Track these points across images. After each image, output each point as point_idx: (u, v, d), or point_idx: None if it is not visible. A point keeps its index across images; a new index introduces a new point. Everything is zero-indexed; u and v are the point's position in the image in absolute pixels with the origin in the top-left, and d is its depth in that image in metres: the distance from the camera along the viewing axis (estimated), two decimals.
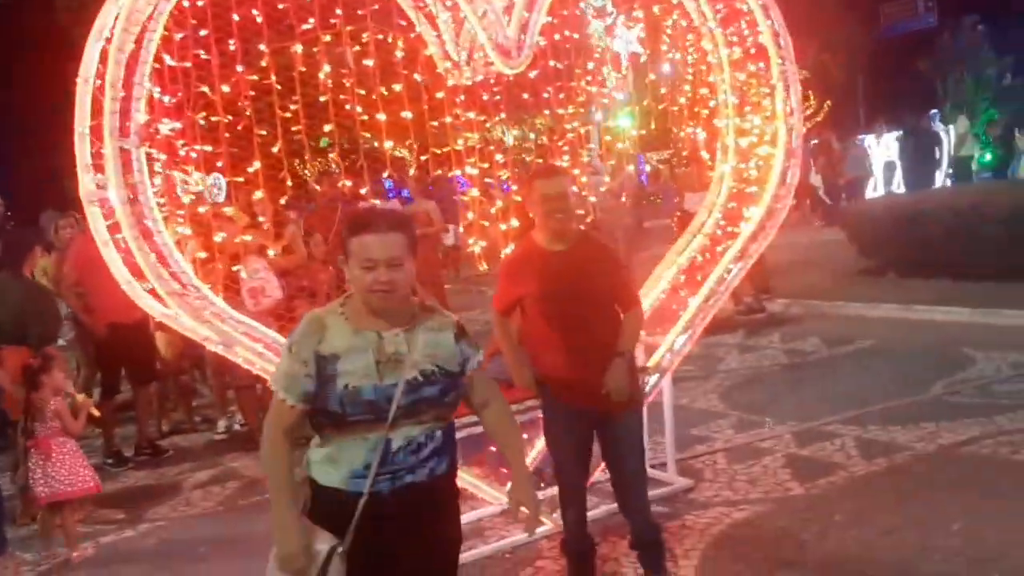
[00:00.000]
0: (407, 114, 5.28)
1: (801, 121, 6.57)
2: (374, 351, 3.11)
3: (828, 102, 30.08)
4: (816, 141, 21.01)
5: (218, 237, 7.03)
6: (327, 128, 5.16)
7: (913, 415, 7.15)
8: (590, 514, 5.25)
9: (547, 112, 5.99)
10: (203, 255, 5.39)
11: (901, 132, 22.03)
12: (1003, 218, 11.50)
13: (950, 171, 21.50)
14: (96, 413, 7.02)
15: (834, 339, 10.06)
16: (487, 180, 5.80)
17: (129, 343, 8.13)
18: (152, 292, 5.04)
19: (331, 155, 5.58)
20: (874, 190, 21.42)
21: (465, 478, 5.64)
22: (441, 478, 3.24)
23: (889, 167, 22.33)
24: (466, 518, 5.95)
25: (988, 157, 24.85)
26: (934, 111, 25.44)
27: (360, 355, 3.10)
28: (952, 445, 6.48)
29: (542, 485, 6.12)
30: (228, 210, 8.88)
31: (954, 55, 29.63)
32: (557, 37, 5.80)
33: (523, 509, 3.37)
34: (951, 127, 23.28)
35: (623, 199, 13.46)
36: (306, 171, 7.69)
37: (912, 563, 4.85)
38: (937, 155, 21.37)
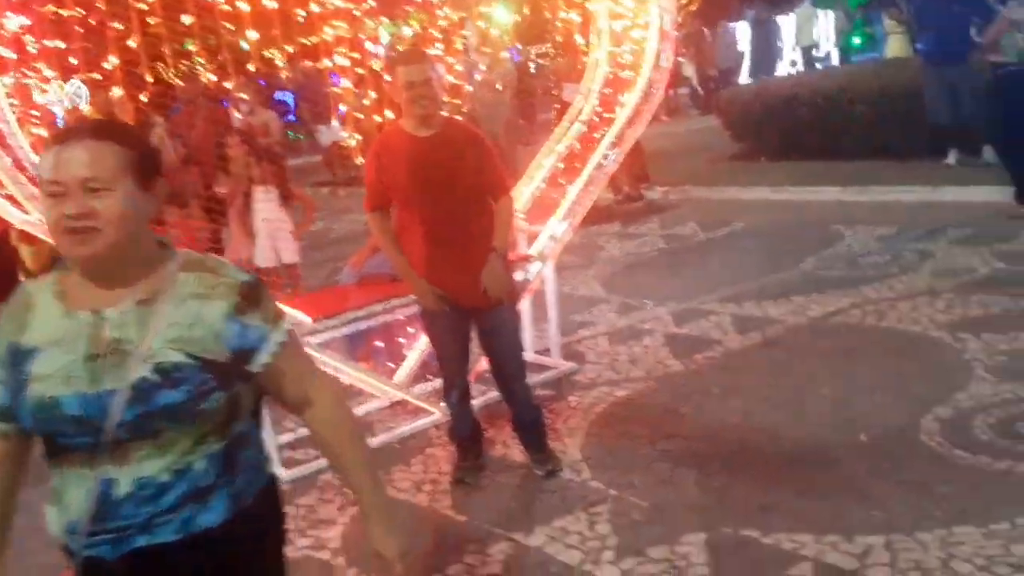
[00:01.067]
0: (271, 2, 5.08)
1: (674, 3, 6.55)
2: (87, 341, 2.06)
3: None
4: (686, 32, 21.08)
5: None
6: (186, 20, 4.93)
7: (785, 290, 7.40)
8: (478, 401, 5.36)
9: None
10: None
11: (748, 22, 22.28)
12: (870, 99, 11.79)
13: (792, 62, 21.88)
14: None
15: (710, 223, 10.27)
16: (358, 71, 5.65)
17: None
18: (10, 198, 4.82)
19: (192, 50, 5.32)
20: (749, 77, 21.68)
21: (350, 372, 5.65)
22: (215, 532, 2.14)
23: None
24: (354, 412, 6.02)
25: (858, 41, 25.44)
26: None
27: (66, 349, 2.06)
28: (822, 316, 6.74)
29: (429, 377, 6.18)
30: (85, 109, 8.51)
31: None
32: None
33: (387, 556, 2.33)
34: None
35: (499, 88, 13.34)
36: (170, 72, 7.38)
37: (785, 427, 5.07)
38: (779, 45, 21.75)
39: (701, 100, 21.04)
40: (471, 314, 4.80)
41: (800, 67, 21.29)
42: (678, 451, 4.94)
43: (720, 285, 7.76)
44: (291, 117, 19.20)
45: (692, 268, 8.62)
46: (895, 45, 18.94)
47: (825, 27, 22.77)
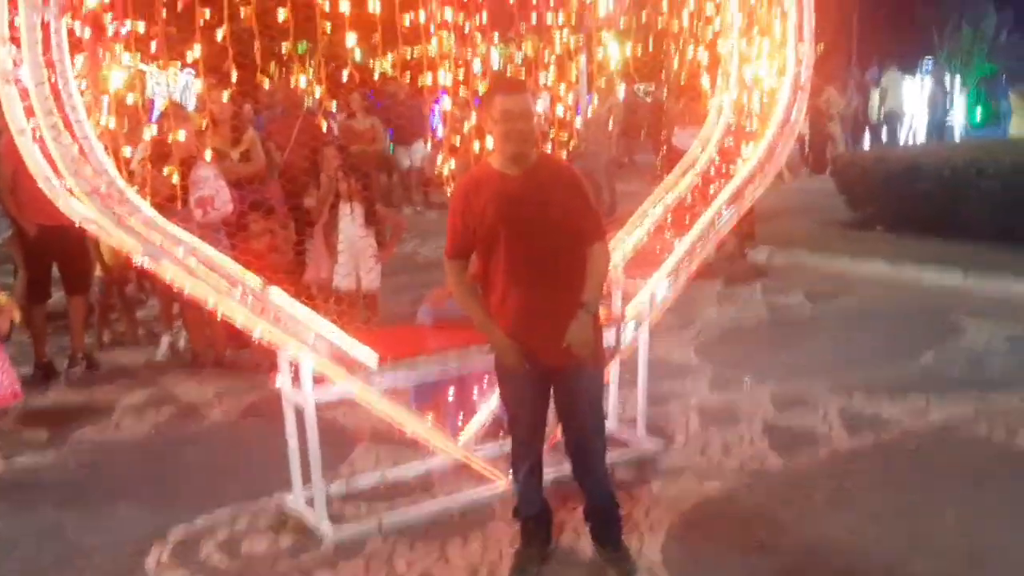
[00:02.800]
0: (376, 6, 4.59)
1: (813, 51, 5.93)
2: None
3: (820, 45, 29.21)
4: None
5: (180, 136, 6.37)
6: (281, 14, 4.47)
7: (901, 385, 6.66)
8: (550, 474, 4.73)
9: (535, 19, 5.31)
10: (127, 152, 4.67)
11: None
12: (1002, 177, 11.00)
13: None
14: (16, 318, 6.43)
15: (818, 294, 9.55)
16: (462, 92, 5.14)
17: (60, 247, 7.44)
18: (69, 191, 4.39)
19: (292, 53, 4.83)
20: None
21: (412, 424, 5.11)
22: None
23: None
24: (414, 469, 5.48)
25: (979, 115, 24.57)
26: (928, 58, 24.87)
27: None
28: (944, 424, 5.99)
29: (501, 435, 5.61)
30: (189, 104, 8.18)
31: (953, 3, 28.92)
32: None
33: None
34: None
35: (610, 127, 12.77)
36: (263, 72, 6.94)
37: (903, 556, 4.37)
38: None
39: (811, 158, 20.24)
40: (551, 375, 4.24)
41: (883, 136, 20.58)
42: (773, 568, 4.29)
43: (828, 369, 7.05)
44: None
45: (797, 345, 7.90)
46: (1020, 123, 18.04)
47: (915, 95, 21.93)
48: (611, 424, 5.58)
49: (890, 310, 8.93)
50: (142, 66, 5.45)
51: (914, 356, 7.39)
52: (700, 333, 8.34)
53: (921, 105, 21.99)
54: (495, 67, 5.42)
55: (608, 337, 4.96)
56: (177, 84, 15.92)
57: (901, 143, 20.87)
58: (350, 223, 7.65)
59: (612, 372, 5.64)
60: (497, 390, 5.19)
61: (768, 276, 10.55)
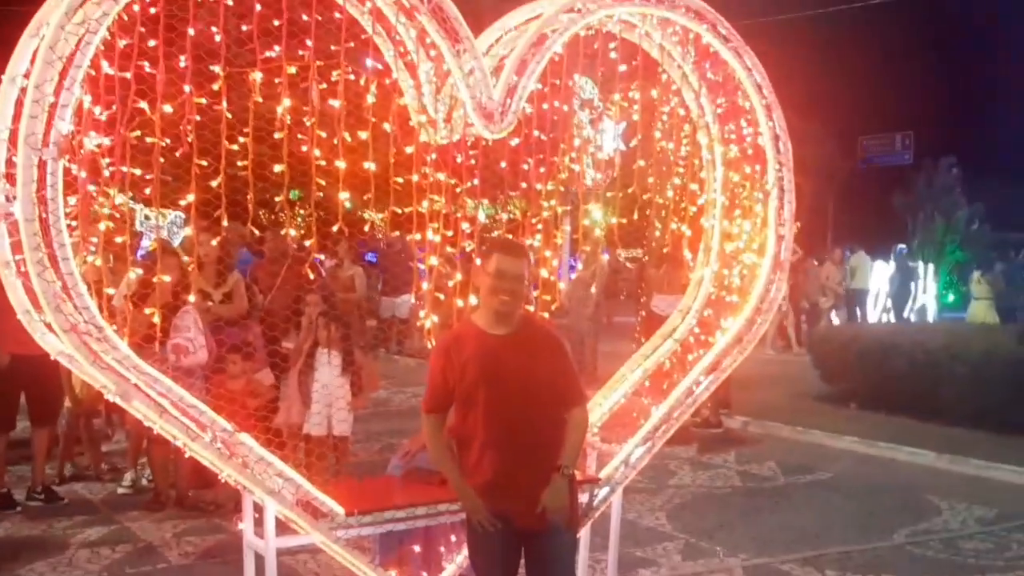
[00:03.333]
0: (370, 165, 4.72)
1: (792, 232, 6.12)
2: None
3: (798, 223, 29.90)
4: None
5: (164, 279, 6.40)
6: (277, 168, 4.58)
7: (874, 564, 6.59)
8: None
9: (524, 185, 5.46)
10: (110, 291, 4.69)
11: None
12: (974, 361, 11.14)
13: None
14: None
15: (792, 466, 9.52)
16: (449, 249, 5.23)
17: (30, 377, 7.38)
18: (48, 326, 4.39)
19: (280, 202, 4.91)
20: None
21: None
22: None
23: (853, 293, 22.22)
24: None
25: (951, 298, 25.19)
26: (901, 246, 25.49)
27: None
28: None
29: None
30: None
31: (927, 195, 29.82)
32: (545, 107, 5.29)
33: None
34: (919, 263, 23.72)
35: (593, 290, 12.96)
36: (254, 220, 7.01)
37: None
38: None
39: (786, 331, 20.47)
40: (523, 538, 4.20)
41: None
42: None
43: (800, 542, 6.98)
44: None
45: (769, 516, 7.83)
46: (979, 310, 18.43)
47: (881, 277, 22.42)
48: None
49: (863, 486, 8.89)
50: (133, 204, 5.52)
51: (887, 533, 7.33)
52: (672, 499, 8.25)
53: (884, 287, 22.48)
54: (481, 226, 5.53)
55: (581, 499, 4.93)
56: (166, 220, 16.14)
57: (870, 320, 21.21)
58: (327, 369, 7.64)
59: (583, 535, 5.57)
60: (466, 547, 5.11)
61: (742, 445, 10.53)
